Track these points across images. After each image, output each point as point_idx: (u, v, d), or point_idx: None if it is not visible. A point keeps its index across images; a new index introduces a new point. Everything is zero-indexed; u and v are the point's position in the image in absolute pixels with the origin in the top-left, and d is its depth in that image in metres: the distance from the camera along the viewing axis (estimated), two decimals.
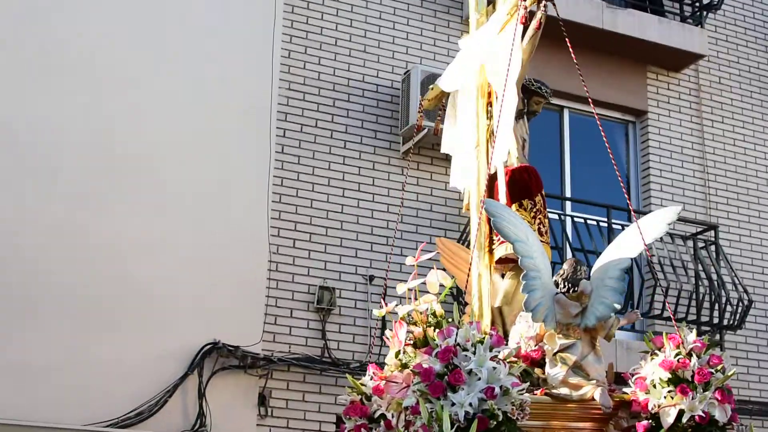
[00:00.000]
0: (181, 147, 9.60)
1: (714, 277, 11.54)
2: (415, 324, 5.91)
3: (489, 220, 6.21)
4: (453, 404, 5.05)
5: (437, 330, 5.61)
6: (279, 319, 9.88)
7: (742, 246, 12.53)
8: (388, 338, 6.04)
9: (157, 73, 9.68)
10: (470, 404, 5.03)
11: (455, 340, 5.27)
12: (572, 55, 6.21)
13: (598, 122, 6.60)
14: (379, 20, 11.22)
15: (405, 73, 10.89)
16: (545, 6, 6.18)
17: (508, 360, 5.29)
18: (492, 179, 6.42)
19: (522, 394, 5.18)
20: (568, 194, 11.89)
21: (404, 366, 5.75)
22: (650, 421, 5.63)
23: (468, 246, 9.76)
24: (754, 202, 12.83)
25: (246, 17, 10.19)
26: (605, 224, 11.21)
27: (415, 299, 6.05)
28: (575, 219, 11.11)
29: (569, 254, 10.80)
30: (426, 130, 10.51)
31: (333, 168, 10.58)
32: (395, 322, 6.04)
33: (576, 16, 11.69)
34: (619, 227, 11.39)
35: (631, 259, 6.10)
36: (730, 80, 13.16)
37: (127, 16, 9.69)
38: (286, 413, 9.70)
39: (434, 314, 5.95)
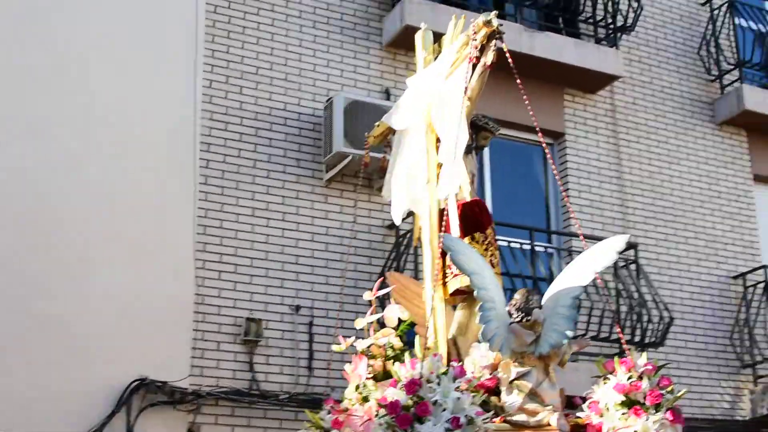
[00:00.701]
0: (104, 182, 9.50)
1: (635, 295, 11.70)
2: (374, 357, 6.07)
3: (443, 254, 6.41)
4: None
5: (398, 363, 5.74)
6: (206, 352, 9.79)
7: (660, 264, 12.73)
8: (347, 372, 6.19)
9: (75, 105, 9.57)
10: None
11: (420, 372, 5.38)
12: (519, 83, 6.30)
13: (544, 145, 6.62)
14: (300, 48, 11.20)
15: (327, 101, 10.88)
16: (495, 45, 6.34)
17: (470, 390, 5.45)
18: (442, 213, 6.58)
19: (486, 422, 5.35)
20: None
21: (365, 399, 5.90)
22: None
23: (417, 278, 9.85)
24: (670, 220, 13.04)
25: (167, 47, 10.13)
26: (528, 246, 11.28)
27: (373, 333, 6.27)
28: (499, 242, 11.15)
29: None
30: (350, 157, 10.54)
31: (257, 198, 10.52)
32: (355, 356, 6.20)
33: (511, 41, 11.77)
34: (542, 249, 11.53)
35: (583, 287, 6.24)
36: (645, 100, 13.38)
37: (48, 46, 9.58)
38: None
39: (392, 347, 6.14)
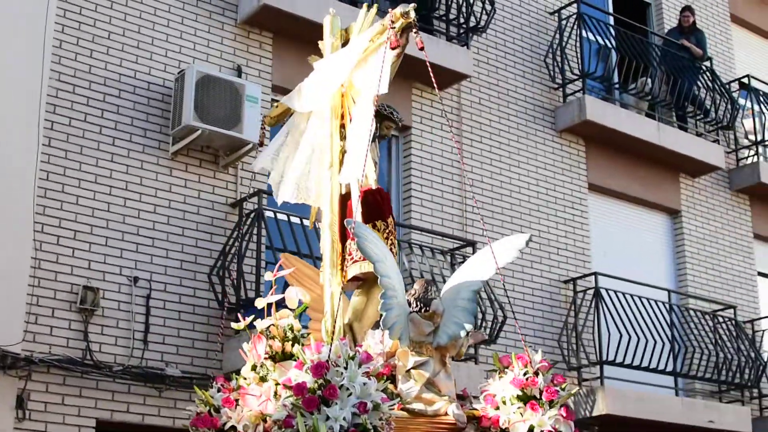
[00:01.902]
0: None
1: None
2: (273, 338, 6.09)
3: (342, 240, 6.57)
4: (327, 418, 5.22)
5: (300, 346, 5.83)
6: (40, 318, 9.47)
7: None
8: (244, 351, 6.21)
9: None
10: (344, 418, 5.22)
11: (327, 356, 5.43)
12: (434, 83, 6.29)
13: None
14: (154, 17, 10.96)
15: (179, 73, 10.67)
16: (417, 32, 6.42)
17: (374, 375, 5.48)
18: (345, 199, 6.69)
19: (392, 408, 5.45)
20: None
21: (263, 379, 5.96)
22: None
23: (259, 258, 9.77)
24: (507, 220, 13.26)
25: (16, 3, 9.75)
26: None
27: (270, 314, 6.25)
28: None
29: None
30: (200, 131, 10.39)
31: (101, 165, 10.24)
32: (254, 335, 6.20)
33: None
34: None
35: (483, 281, 6.44)
36: (490, 102, 13.57)
37: None
38: (45, 416, 9.29)
39: (292, 329, 6.17)
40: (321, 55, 7.34)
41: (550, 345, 13.00)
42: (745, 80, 16.59)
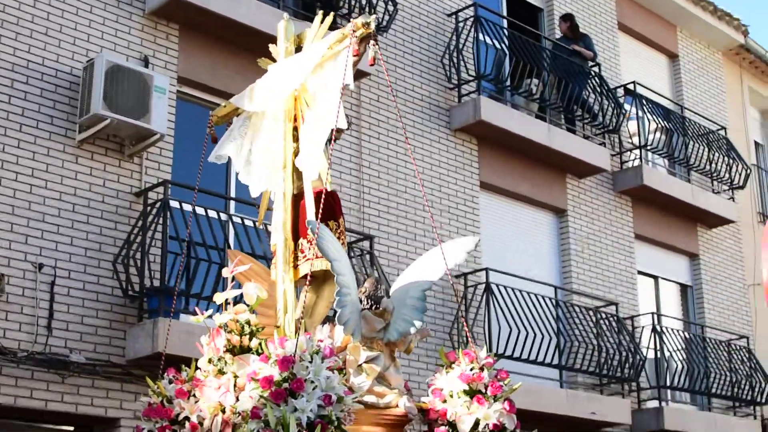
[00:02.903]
0: None
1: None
2: (231, 332, 6.31)
3: (294, 238, 6.84)
4: (295, 410, 5.47)
5: (259, 341, 6.12)
6: None
7: (390, 257, 13.21)
8: (201, 344, 6.41)
9: None
10: (311, 410, 5.47)
11: (294, 350, 5.66)
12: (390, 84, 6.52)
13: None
14: (63, 4, 10.97)
15: (88, 62, 10.72)
16: (376, 43, 6.74)
17: (335, 369, 5.73)
18: (297, 199, 6.98)
19: (354, 401, 5.70)
20: (233, 194, 12.05)
21: (221, 372, 6.17)
22: (447, 427, 6.39)
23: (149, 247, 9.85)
24: (402, 216, 13.56)
25: None
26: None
27: (226, 309, 6.49)
28: (235, 219, 11.27)
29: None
30: (108, 120, 10.46)
31: (7, 150, 10.22)
32: (213, 329, 6.41)
33: (257, 23, 11.95)
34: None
35: (432, 281, 6.84)
36: (388, 99, 13.83)
37: None
38: None
39: (249, 323, 6.38)
40: (273, 59, 7.60)
41: (441, 338, 13.34)
42: (631, 86, 17.18)
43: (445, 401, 6.41)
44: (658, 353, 15.91)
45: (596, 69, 16.52)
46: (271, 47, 7.64)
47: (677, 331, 16.64)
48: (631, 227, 17.06)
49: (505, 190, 15.25)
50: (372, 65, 6.69)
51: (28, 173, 10.32)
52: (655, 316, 16.26)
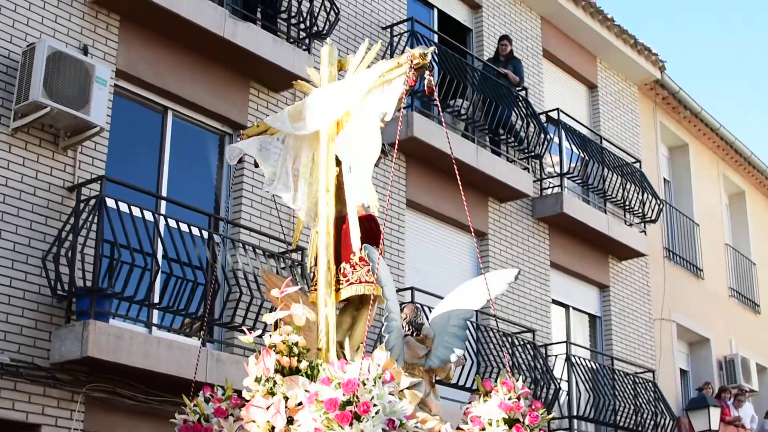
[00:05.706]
0: None
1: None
2: (280, 353, 6.36)
3: (337, 262, 7.00)
4: None
5: (318, 363, 6.28)
6: None
7: None
8: (248, 364, 6.46)
9: None
10: None
11: (359, 374, 5.81)
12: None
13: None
14: None
15: (29, 46, 10.20)
16: (431, 73, 6.90)
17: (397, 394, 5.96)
18: (339, 222, 7.09)
19: (416, 427, 5.95)
20: (164, 194, 11.61)
21: (270, 392, 6.23)
22: None
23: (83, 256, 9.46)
24: None
25: None
26: (198, 232, 11.01)
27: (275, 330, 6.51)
28: (170, 222, 10.87)
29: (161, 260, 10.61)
30: (48, 109, 9.97)
31: None
32: (264, 349, 6.47)
33: (200, 19, 11.59)
34: (219, 237, 11.36)
35: (474, 311, 7.12)
36: None
37: None
38: None
39: (296, 345, 6.43)
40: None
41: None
42: (554, 114, 17.17)
43: (483, 429, 6.50)
44: (572, 383, 15.86)
45: (523, 93, 16.45)
46: (309, 71, 7.97)
47: (585, 360, 16.61)
48: (547, 255, 17.02)
49: (430, 210, 15.06)
50: (428, 94, 6.89)
51: None
52: (569, 345, 16.21)
